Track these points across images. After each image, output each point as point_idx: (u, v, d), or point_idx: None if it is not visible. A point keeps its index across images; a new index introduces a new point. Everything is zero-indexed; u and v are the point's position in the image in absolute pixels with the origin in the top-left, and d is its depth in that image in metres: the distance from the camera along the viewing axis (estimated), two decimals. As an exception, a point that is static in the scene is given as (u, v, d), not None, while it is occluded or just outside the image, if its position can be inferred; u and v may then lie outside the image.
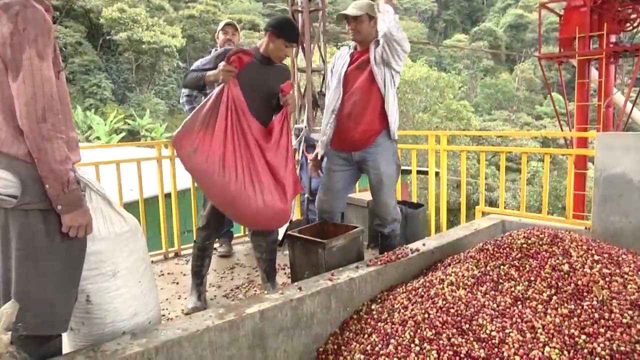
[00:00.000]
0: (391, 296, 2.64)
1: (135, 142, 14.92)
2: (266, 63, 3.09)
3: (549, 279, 2.36)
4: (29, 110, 1.63)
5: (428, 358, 2.03)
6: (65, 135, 1.74)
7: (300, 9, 5.35)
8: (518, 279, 2.44)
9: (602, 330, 2.01)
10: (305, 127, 5.14)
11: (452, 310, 2.26)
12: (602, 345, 1.93)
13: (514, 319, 2.16)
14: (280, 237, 4.61)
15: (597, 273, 2.34)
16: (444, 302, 2.33)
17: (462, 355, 2.01)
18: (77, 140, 1.95)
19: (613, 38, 11.00)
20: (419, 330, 2.19)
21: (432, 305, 2.33)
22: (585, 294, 2.22)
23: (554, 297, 2.25)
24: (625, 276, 2.32)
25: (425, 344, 2.10)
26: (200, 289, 3.24)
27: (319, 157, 3.55)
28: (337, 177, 3.44)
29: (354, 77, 3.30)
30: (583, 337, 1.99)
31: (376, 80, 3.21)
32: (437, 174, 5.27)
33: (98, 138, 23.43)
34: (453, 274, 2.58)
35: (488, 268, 2.58)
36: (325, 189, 3.47)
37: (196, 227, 3.25)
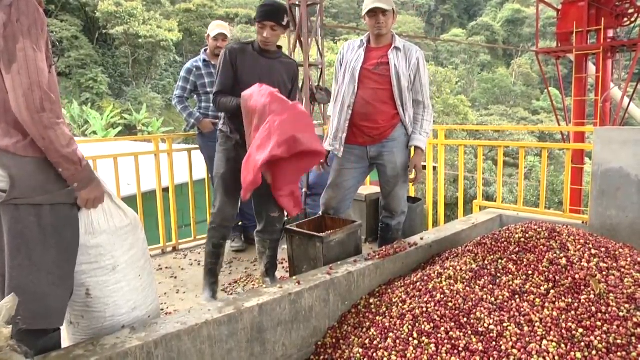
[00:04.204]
0: (389, 290, 2.65)
1: (133, 136, 14.90)
2: (266, 56, 3.07)
3: (546, 273, 2.37)
4: (27, 101, 1.62)
5: (426, 351, 2.04)
6: (63, 119, 1.74)
7: (297, 2, 5.34)
8: (516, 273, 2.45)
9: (599, 323, 2.02)
10: (303, 121, 5.13)
11: (450, 304, 2.27)
12: (599, 338, 1.95)
13: (511, 313, 2.17)
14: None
15: (594, 267, 2.35)
16: (442, 296, 2.35)
17: (460, 349, 2.02)
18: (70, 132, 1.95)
19: (610, 33, 11.01)
20: (417, 324, 2.20)
21: (430, 299, 2.35)
22: (582, 287, 2.23)
23: (552, 291, 2.27)
24: (622, 270, 2.33)
25: (424, 338, 2.11)
26: (215, 287, 3.22)
27: (328, 152, 3.52)
28: (348, 175, 3.40)
29: (371, 76, 3.24)
30: (580, 330, 2.00)
31: (401, 84, 3.20)
32: (434, 168, 5.28)
33: (95, 132, 23.38)
34: (451, 268, 2.59)
35: (486, 262, 2.59)
36: (334, 186, 3.43)
37: (210, 225, 3.20)
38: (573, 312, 2.11)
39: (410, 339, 2.14)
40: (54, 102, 1.69)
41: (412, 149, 3.36)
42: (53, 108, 1.67)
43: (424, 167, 5.11)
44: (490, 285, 2.40)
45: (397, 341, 2.15)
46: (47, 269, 1.75)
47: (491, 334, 2.06)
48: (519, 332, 2.05)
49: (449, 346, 2.04)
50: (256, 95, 2.80)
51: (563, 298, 2.21)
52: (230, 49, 3.04)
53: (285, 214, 4.57)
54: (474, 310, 2.21)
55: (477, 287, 2.40)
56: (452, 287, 2.41)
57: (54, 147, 1.69)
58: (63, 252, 1.81)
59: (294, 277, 2.59)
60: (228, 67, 3.00)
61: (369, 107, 3.24)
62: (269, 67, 3.08)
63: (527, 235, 2.66)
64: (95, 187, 1.87)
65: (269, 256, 3.34)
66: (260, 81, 2.94)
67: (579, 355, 1.89)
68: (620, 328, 1.97)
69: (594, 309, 2.09)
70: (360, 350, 2.19)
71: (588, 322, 2.04)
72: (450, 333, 2.11)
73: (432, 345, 2.06)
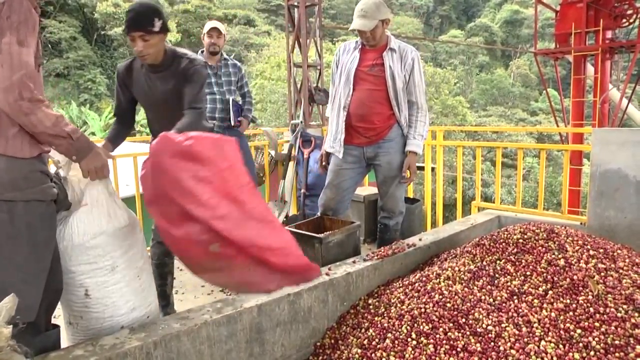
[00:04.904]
0: (388, 291, 2.66)
1: (131, 137, 14.85)
2: (152, 70, 2.63)
3: (544, 274, 2.38)
4: (6, 91, 1.65)
5: (425, 352, 2.05)
6: (45, 101, 1.75)
7: (296, 3, 5.34)
8: (514, 274, 2.45)
9: (597, 324, 2.02)
10: (302, 122, 5.14)
11: (448, 305, 2.28)
12: (597, 339, 1.95)
13: (510, 314, 2.18)
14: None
15: (592, 268, 2.35)
16: (441, 297, 2.35)
17: (458, 349, 2.02)
18: None
19: (609, 34, 11.02)
20: (415, 325, 2.20)
21: (428, 300, 2.35)
22: (580, 288, 2.24)
23: (550, 292, 2.27)
24: (620, 271, 2.34)
25: (422, 338, 2.12)
26: (167, 310, 2.93)
27: (329, 154, 3.53)
28: (345, 176, 3.41)
29: (366, 77, 3.27)
30: (578, 331, 2.01)
31: (396, 84, 3.23)
32: (433, 169, 5.29)
33: (93, 134, 23.34)
34: (449, 269, 2.60)
35: (484, 263, 2.60)
36: (332, 186, 3.44)
37: (151, 241, 2.92)
38: (571, 313, 2.12)
39: (409, 339, 2.14)
40: (32, 90, 1.69)
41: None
42: (30, 96, 1.68)
43: (423, 168, 5.13)
44: (489, 286, 2.40)
45: (396, 342, 2.15)
46: (18, 266, 1.74)
47: (489, 335, 2.06)
48: (517, 332, 2.05)
49: (447, 347, 2.04)
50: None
51: (561, 299, 2.21)
52: (117, 68, 2.75)
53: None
54: (473, 311, 2.21)
55: (475, 287, 2.41)
56: (450, 288, 2.42)
57: (39, 130, 1.72)
58: (36, 249, 1.79)
59: (293, 278, 2.59)
60: (118, 89, 2.75)
61: (365, 108, 3.26)
62: (152, 84, 2.65)
63: (525, 236, 2.67)
64: (94, 157, 1.92)
65: None
66: (148, 102, 2.72)
67: (577, 356, 1.89)
68: (619, 329, 1.97)
69: (592, 309, 2.10)
70: (359, 350, 2.20)
71: (586, 323, 2.04)
72: (449, 333, 2.11)
73: (431, 346, 2.07)
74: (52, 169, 2.00)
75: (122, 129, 2.80)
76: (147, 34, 2.40)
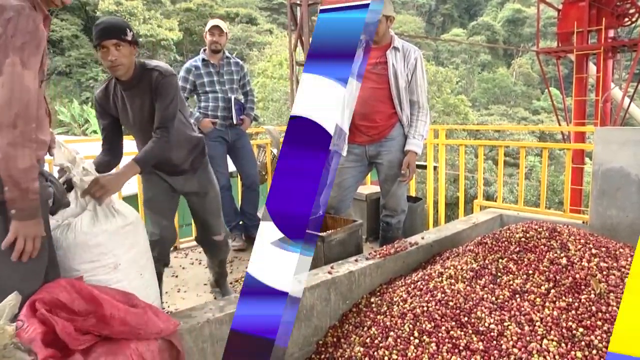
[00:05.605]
0: (390, 289, 2.66)
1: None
2: (129, 87, 2.53)
3: (547, 273, 2.38)
4: (1, 113, 1.58)
5: (427, 350, 2.05)
6: (35, 144, 1.67)
7: (298, 2, 5.34)
8: (516, 273, 2.45)
9: (599, 323, 2.02)
10: (304, 120, 5.13)
11: (451, 303, 2.28)
12: (599, 337, 1.95)
13: (512, 312, 2.18)
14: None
15: (594, 266, 2.35)
16: (443, 295, 2.35)
17: (460, 348, 2.02)
18: (47, 143, 1.88)
19: (611, 33, 11.01)
20: (418, 323, 2.21)
21: (431, 298, 2.35)
22: (582, 287, 2.24)
23: (552, 291, 2.27)
24: (623, 270, 2.34)
25: (425, 337, 2.12)
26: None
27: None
28: (347, 174, 3.43)
29: (369, 75, 3.28)
30: (580, 329, 2.01)
31: (399, 83, 3.24)
32: (435, 168, 5.29)
33: (95, 132, 23.36)
34: (452, 267, 2.60)
35: (487, 261, 2.60)
36: (335, 185, 3.45)
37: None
38: (573, 312, 2.12)
39: (411, 338, 2.14)
40: (29, 123, 1.62)
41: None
42: (25, 130, 1.61)
43: (425, 167, 5.13)
44: (491, 285, 2.40)
45: (398, 340, 2.15)
46: (16, 265, 1.73)
47: (492, 333, 2.06)
48: (519, 331, 2.05)
49: (449, 345, 2.05)
50: None
51: (563, 297, 2.21)
52: (95, 96, 2.67)
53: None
54: (475, 310, 2.21)
55: (477, 286, 2.41)
56: (452, 287, 2.42)
57: (8, 165, 1.61)
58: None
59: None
60: (100, 118, 2.66)
61: (367, 106, 3.27)
62: (129, 103, 2.57)
63: (527, 235, 2.67)
64: (32, 225, 1.70)
65: (217, 272, 3.31)
66: (129, 124, 2.64)
67: (579, 354, 1.89)
68: (621, 327, 1.97)
69: (594, 308, 2.10)
70: (361, 349, 2.20)
71: (588, 322, 2.04)
72: (451, 332, 2.11)
73: (433, 344, 2.07)
74: (54, 169, 2.00)
75: (110, 159, 2.69)
76: (121, 42, 2.35)
